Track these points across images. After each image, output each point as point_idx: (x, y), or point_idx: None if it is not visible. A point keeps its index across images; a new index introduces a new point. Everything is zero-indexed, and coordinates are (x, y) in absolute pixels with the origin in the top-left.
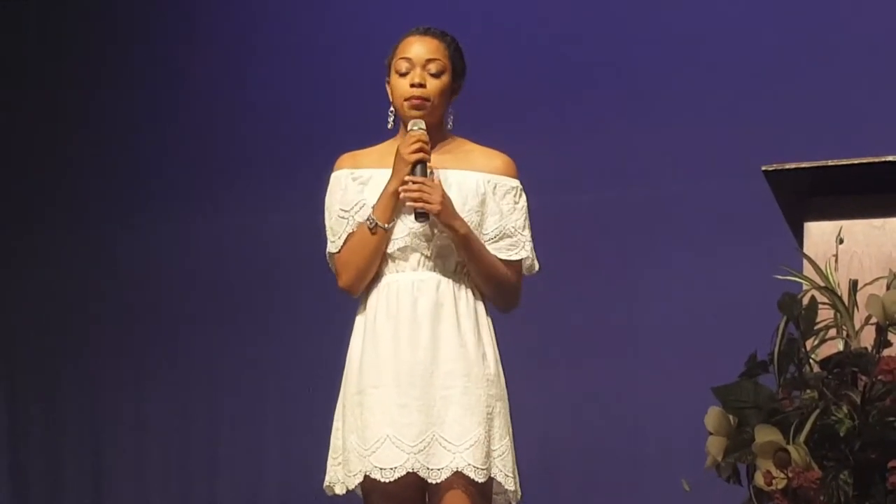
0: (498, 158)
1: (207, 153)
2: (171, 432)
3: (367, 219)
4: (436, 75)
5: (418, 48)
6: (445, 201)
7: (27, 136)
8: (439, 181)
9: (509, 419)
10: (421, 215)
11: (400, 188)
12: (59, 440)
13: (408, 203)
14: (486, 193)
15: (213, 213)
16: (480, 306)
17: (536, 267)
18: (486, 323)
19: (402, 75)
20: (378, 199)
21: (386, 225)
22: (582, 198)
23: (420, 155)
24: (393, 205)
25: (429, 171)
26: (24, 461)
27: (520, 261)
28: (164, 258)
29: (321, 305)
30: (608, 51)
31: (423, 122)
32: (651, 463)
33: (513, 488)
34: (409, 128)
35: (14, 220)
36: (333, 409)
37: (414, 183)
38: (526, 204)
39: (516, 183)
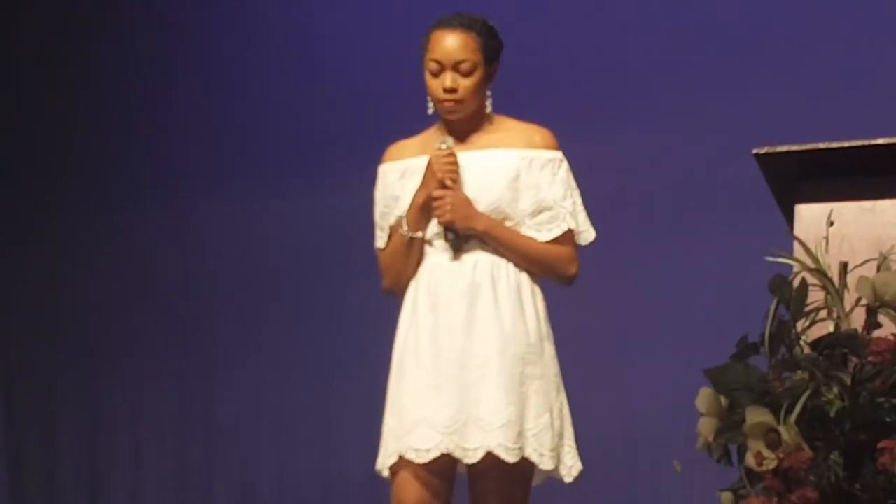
0: (537, 133)
1: (201, 150)
2: (167, 431)
3: (401, 229)
4: (467, 74)
5: (447, 46)
6: (455, 208)
7: (21, 136)
8: (452, 184)
9: (555, 396)
10: (448, 231)
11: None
12: (55, 440)
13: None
14: (521, 170)
15: (210, 210)
16: (525, 282)
17: (590, 236)
18: (531, 300)
19: (434, 75)
20: (409, 209)
21: (418, 234)
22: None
23: (454, 177)
24: (423, 215)
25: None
26: (20, 461)
27: (562, 234)
28: (160, 255)
29: (317, 297)
30: (600, 36)
31: (451, 140)
32: (643, 444)
33: (549, 467)
34: (437, 145)
35: (8, 219)
36: (327, 400)
37: (434, 199)
38: (568, 175)
39: (555, 154)
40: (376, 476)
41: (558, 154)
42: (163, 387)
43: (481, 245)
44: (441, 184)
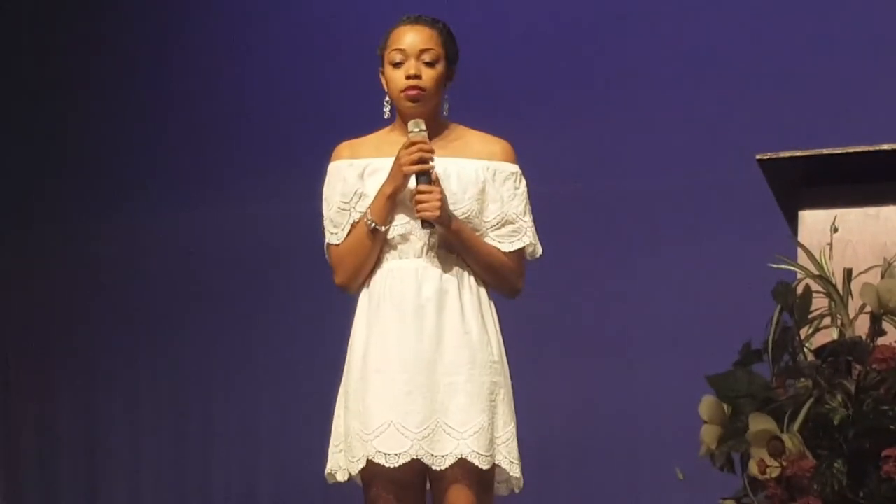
0: (496, 144)
1: (197, 148)
2: (165, 428)
3: (365, 220)
4: (430, 64)
5: (411, 38)
6: (443, 204)
7: (18, 132)
8: (437, 178)
9: (513, 406)
10: (426, 223)
11: (412, 199)
12: (52, 438)
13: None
14: (486, 181)
15: (205, 206)
16: (484, 292)
17: (539, 251)
18: (489, 309)
19: (397, 66)
20: (374, 200)
21: (383, 227)
22: (576, 187)
23: (419, 167)
24: (391, 206)
25: (432, 173)
26: (18, 461)
27: (522, 248)
28: (156, 253)
29: (313, 297)
30: (602, 41)
31: (424, 123)
32: (646, 451)
33: (518, 475)
34: (409, 129)
35: (4, 217)
36: (326, 399)
37: (419, 193)
38: (526, 189)
39: (515, 168)
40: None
41: (518, 168)
42: (161, 386)
43: (446, 252)
44: (418, 161)
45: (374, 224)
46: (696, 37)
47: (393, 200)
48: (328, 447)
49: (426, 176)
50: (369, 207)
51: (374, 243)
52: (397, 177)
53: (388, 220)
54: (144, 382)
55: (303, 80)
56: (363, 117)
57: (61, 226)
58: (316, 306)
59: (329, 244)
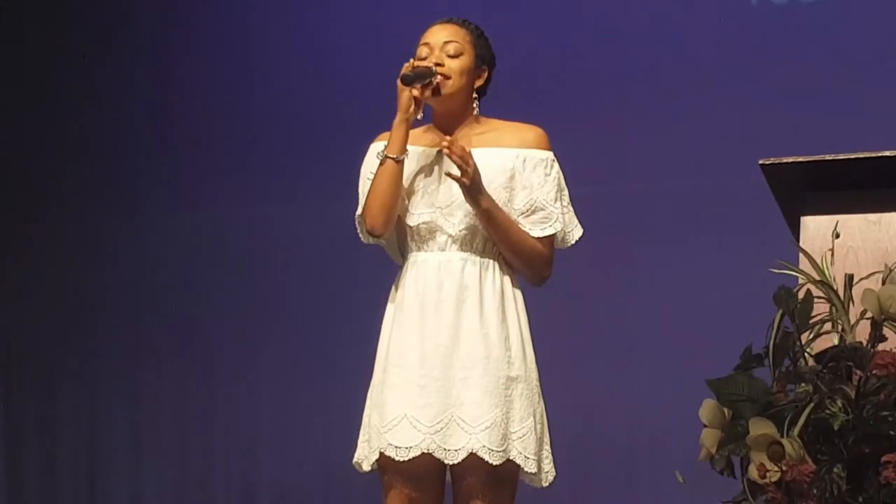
0: (530, 132)
1: (203, 148)
2: (166, 428)
3: (380, 154)
4: (454, 56)
5: (437, 33)
6: (476, 175)
7: (23, 131)
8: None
9: (537, 401)
10: (409, 77)
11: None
12: (52, 438)
13: (420, 64)
14: (515, 168)
15: (214, 208)
16: (508, 286)
17: (573, 238)
18: (513, 304)
19: (423, 60)
20: (390, 137)
21: (397, 156)
22: (579, 191)
23: (407, 67)
24: (402, 136)
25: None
26: (19, 461)
27: (551, 235)
28: (160, 253)
29: (322, 298)
30: (606, 45)
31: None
32: (646, 454)
33: (533, 470)
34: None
35: (9, 217)
36: (329, 399)
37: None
38: (559, 175)
39: (547, 155)
40: (376, 474)
41: (550, 154)
42: (163, 388)
43: (471, 244)
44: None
45: (385, 155)
46: (702, 42)
47: (403, 129)
48: (332, 445)
49: (426, 70)
50: (387, 146)
51: (390, 174)
52: (400, 100)
53: (401, 150)
54: (146, 383)
55: (317, 82)
56: (376, 121)
57: (63, 225)
58: (324, 308)
59: (357, 216)
